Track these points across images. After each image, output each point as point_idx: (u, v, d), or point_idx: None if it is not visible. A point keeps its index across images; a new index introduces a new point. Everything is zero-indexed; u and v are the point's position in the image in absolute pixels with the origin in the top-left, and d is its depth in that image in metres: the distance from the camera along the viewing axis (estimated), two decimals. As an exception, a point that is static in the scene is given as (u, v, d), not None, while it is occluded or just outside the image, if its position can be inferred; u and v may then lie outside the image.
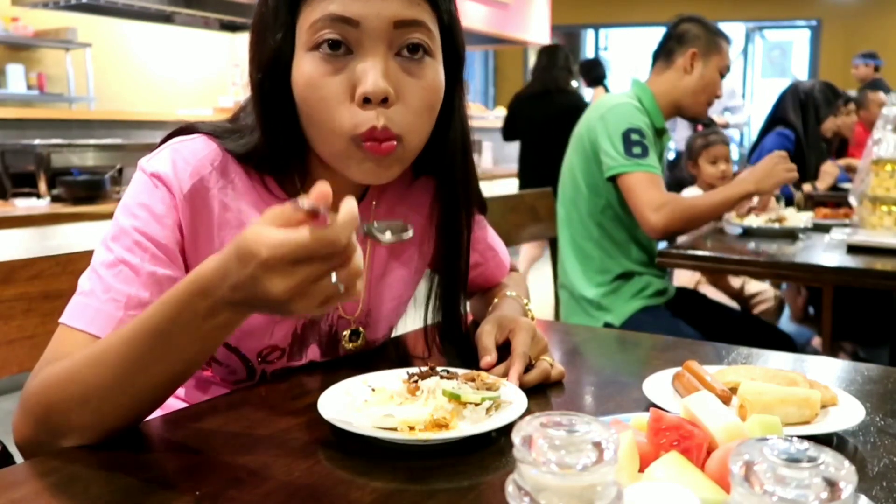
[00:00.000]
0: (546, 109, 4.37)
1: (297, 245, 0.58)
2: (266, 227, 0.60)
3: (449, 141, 0.90)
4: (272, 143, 0.85)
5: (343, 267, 0.60)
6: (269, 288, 0.60)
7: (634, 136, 1.92)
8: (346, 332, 0.96)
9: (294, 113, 0.82)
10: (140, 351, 0.69)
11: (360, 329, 0.97)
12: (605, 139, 1.95)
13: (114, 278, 0.79)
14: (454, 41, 0.86)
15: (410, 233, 0.67)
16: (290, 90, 0.81)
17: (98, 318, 0.77)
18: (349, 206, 0.60)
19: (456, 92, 0.89)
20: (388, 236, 0.65)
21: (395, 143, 0.80)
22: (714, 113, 5.42)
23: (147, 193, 0.82)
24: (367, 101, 0.78)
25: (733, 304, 2.80)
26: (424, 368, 0.82)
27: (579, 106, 3.99)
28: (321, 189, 0.60)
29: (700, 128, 3.40)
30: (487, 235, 1.13)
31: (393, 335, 1.08)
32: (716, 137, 2.91)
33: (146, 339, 0.68)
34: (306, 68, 0.79)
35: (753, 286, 2.92)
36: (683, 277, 2.86)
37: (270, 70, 0.81)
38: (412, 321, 1.07)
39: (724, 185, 2.22)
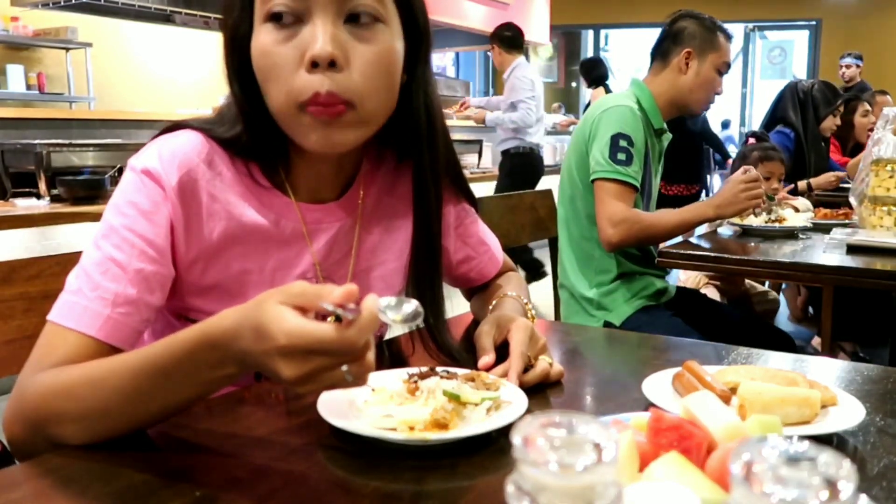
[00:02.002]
0: None
1: (316, 340, 0.60)
2: (287, 312, 0.61)
3: (412, 110, 0.90)
4: (250, 125, 0.86)
5: (356, 361, 0.62)
6: (280, 370, 0.61)
7: (622, 143, 1.91)
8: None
9: (251, 86, 0.84)
10: (141, 385, 0.70)
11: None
12: (596, 140, 1.95)
13: (101, 276, 0.80)
14: (413, 14, 0.87)
15: (420, 319, 0.67)
16: (244, 61, 0.83)
17: (85, 316, 0.78)
18: (371, 307, 0.61)
19: (419, 67, 0.89)
20: (398, 318, 0.65)
21: (343, 107, 0.80)
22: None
23: (135, 191, 0.84)
24: (315, 66, 0.78)
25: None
26: (424, 368, 0.82)
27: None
28: (348, 289, 0.62)
29: (751, 140, 3.31)
30: (479, 230, 1.13)
31: (391, 335, 1.08)
32: (774, 153, 2.88)
33: (149, 376, 0.70)
34: (260, 39, 0.81)
35: (756, 289, 2.91)
36: (687, 279, 2.86)
37: (233, 47, 0.83)
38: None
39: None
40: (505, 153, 5.07)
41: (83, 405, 0.71)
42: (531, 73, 5.05)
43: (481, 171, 5.77)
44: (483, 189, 5.29)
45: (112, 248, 0.81)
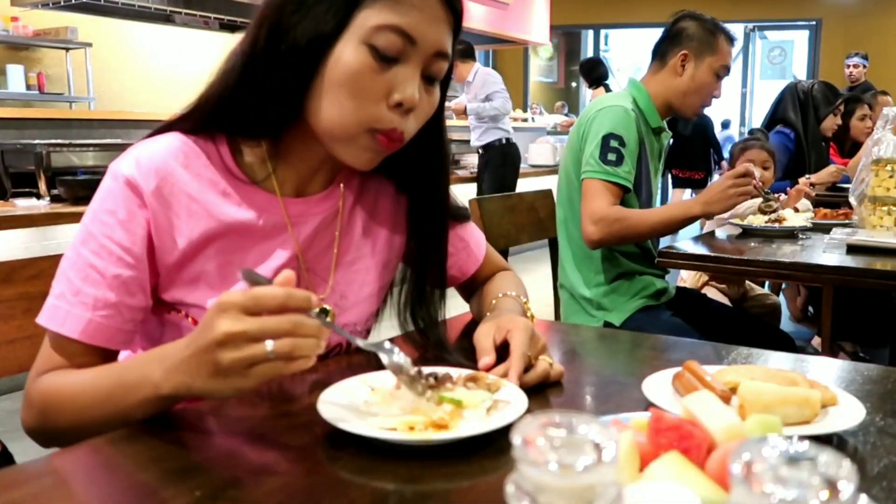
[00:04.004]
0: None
1: (251, 294, 0.66)
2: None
3: (433, 161, 1.00)
4: (268, 103, 0.88)
5: (295, 333, 0.66)
6: (216, 330, 0.66)
7: (613, 143, 1.90)
8: (315, 311, 0.99)
9: (305, 83, 0.87)
10: (105, 396, 0.79)
11: (328, 307, 0.99)
12: (588, 140, 1.95)
13: (82, 282, 0.85)
14: (448, 74, 0.96)
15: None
16: (317, 63, 0.86)
17: (69, 320, 0.84)
18: (287, 276, 0.69)
19: (442, 118, 0.99)
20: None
21: (398, 144, 0.89)
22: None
23: (113, 199, 0.87)
24: (397, 106, 0.86)
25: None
26: (426, 370, 0.82)
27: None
28: (286, 276, 0.69)
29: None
30: (455, 227, 1.14)
31: (391, 336, 1.08)
32: (754, 142, 2.87)
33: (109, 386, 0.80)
34: (354, 57, 0.85)
35: (755, 291, 2.91)
36: (688, 279, 2.85)
37: (312, 43, 0.85)
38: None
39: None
40: (489, 147, 5.37)
41: (68, 415, 0.82)
42: (492, 71, 5.60)
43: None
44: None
45: (91, 255, 0.85)
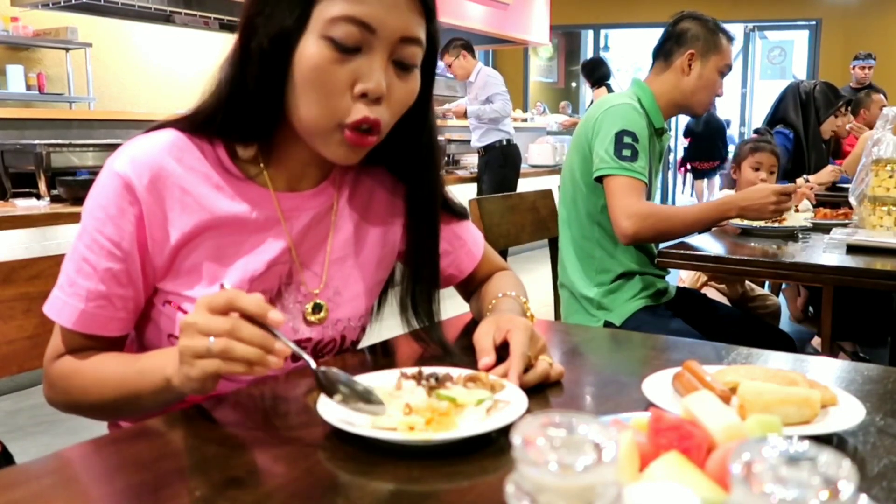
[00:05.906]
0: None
1: (208, 297, 0.72)
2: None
3: (421, 147, 0.99)
4: (251, 108, 0.89)
5: (224, 336, 0.70)
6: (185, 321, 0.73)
7: (626, 139, 1.91)
8: (310, 305, 0.99)
9: (279, 83, 0.88)
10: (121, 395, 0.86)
11: (322, 302, 0.99)
12: (599, 139, 1.95)
13: (76, 274, 0.89)
14: (432, 59, 0.95)
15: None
16: (285, 62, 0.87)
17: (65, 310, 0.89)
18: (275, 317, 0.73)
19: (429, 103, 0.98)
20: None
21: (375, 138, 0.89)
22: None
23: (105, 195, 0.89)
24: (363, 96, 0.86)
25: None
26: (430, 369, 0.82)
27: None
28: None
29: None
30: (453, 225, 1.14)
31: (391, 336, 1.08)
32: (764, 145, 2.86)
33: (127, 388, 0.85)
34: (314, 51, 0.85)
35: (755, 291, 2.91)
36: (687, 279, 2.85)
37: (276, 43, 0.86)
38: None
39: None
40: (489, 147, 5.42)
41: (92, 398, 0.88)
42: (494, 72, 5.65)
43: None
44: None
45: (84, 249, 0.89)
